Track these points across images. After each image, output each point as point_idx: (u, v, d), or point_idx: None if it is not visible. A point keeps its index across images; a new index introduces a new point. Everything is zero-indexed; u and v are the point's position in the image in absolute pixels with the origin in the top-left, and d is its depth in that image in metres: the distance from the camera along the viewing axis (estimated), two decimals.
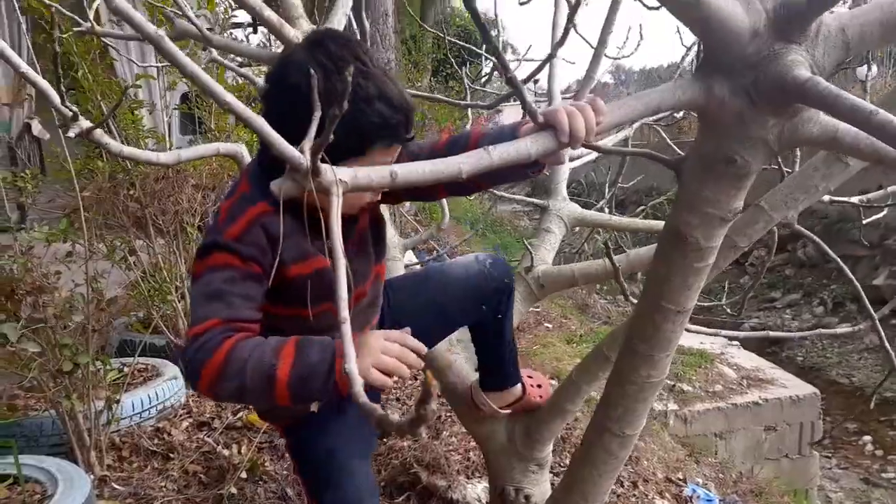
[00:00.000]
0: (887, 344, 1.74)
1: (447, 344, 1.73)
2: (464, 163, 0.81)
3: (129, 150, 1.34)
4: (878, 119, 0.76)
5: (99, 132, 1.26)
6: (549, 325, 5.40)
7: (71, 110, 1.19)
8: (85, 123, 1.22)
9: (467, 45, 2.95)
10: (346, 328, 0.63)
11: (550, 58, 1.69)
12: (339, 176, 0.75)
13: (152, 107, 3.71)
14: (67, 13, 1.86)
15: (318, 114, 0.71)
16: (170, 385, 2.63)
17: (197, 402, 2.73)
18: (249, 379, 0.99)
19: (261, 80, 2.16)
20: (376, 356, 0.97)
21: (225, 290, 1.05)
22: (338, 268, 0.68)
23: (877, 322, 1.71)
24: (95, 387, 2.12)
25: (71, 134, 1.22)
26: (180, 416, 2.60)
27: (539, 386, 1.73)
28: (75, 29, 1.96)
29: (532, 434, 1.66)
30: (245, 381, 0.99)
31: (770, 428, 4.67)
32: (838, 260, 1.81)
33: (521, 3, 1.96)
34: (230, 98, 0.67)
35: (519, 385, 1.67)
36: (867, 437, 6.81)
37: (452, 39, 2.80)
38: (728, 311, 2.61)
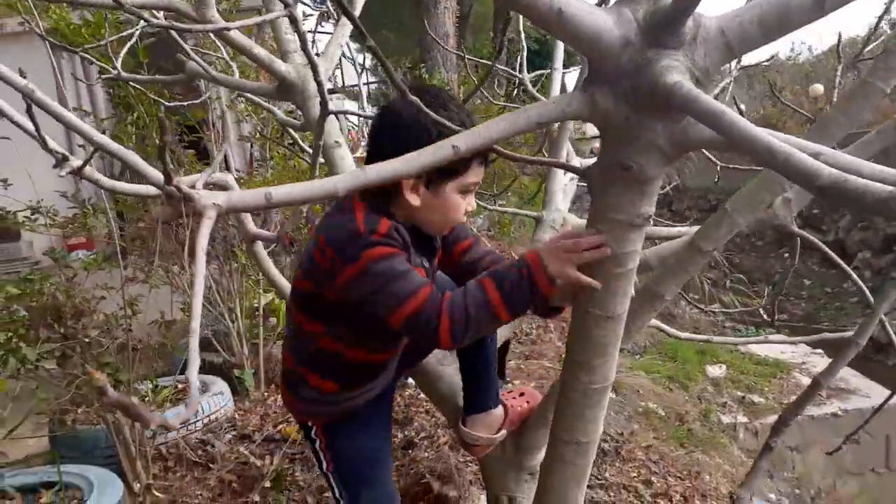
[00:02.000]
0: (894, 336, 1.64)
1: (439, 355, 1.77)
2: (340, 181, 0.87)
3: (120, 185, 1.46)
4: (727, 119, 0.76)
5: (89, 170, 1.40)
6: None
7: (59, 152, 1.34)
8: (76, 162, 1.36)
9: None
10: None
11: None
12: (213, 200, 0.82)
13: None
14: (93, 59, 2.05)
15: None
16: (216, 399, 2.81)
17: (242, 415, 2.89)
18: (475, 318, 1.19)
19: (279, 112, 2.30)
20: (564, 256, 1.10)
21: (403, 269, 1.25)
22: (196, 283, 0.75)
23: (884, 320, 1.62)
24: (141, 402, 2.29)
25: (62, 173, 1.36)
26: (225, 428, 2.76)
27: (522, 394, 1.74)
28: (104, 76, 2.16)
29: (521, 443, 1.68)
30: (472, 321, 1.19)
31: (852, 440, 4.38)
32: (843, 264, 1.73)
33: None
34: (98, 137, 0.76)
35: (500, 406, 1.68)
36: None
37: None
38: (764, 315, 2.50)
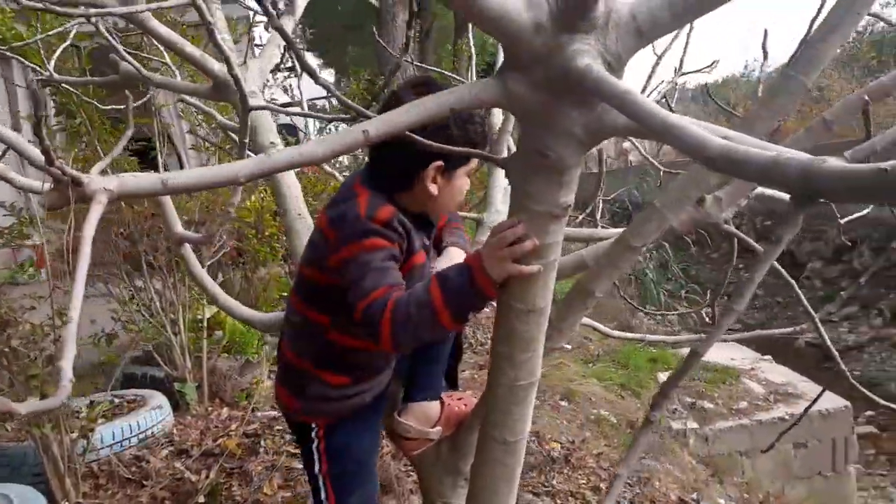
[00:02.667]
0: (829, 342, 1.67)
1: None
2: (241, 168, 0.83)
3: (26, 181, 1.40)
4: (629, 98, 0.75)
5: (2, 167, 1.33)
6: (569, 346, 5.32)
7: None
8: None
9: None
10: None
11: None
12: (103, 184, 0.78)
13: None
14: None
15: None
16: (152, 414, 2.71)
17: (182, 429, 2.80)
18: (417, 319, 1.16)
19: (219, 115, 2.24)
20: (499, 254, 1.07)
21: (382, 266, 1.26)
22: (78, 273, 0.71)
23: (817, 320, 1.64)
24: (69, 417, 2.20)
25: None
26: (162, 444, 2.67)
27: (461, 399, 1.72)
28: (36, 79, 2.08)
29: (457, 447, 1.64)
30: (412, 322, 1.17)
31: (800, 444, 4.46)
32: (778, 267, 1.74)
33: None
34: None
35: (438, 401, 1.66)
36: None
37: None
38: (706, 317, 2.53)
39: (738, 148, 0.56)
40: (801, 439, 4.43)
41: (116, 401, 2.83)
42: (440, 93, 0.92)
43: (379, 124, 0.87)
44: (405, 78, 1.51)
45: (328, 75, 22.00)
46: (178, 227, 1.66)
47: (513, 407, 1.20)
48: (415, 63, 3.53)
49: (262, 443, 2.62)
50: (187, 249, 1.68)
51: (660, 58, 2.76)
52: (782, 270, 1.76)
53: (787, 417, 4.41)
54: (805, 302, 1.67)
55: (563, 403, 4.20)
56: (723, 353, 5.73)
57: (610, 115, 0.91)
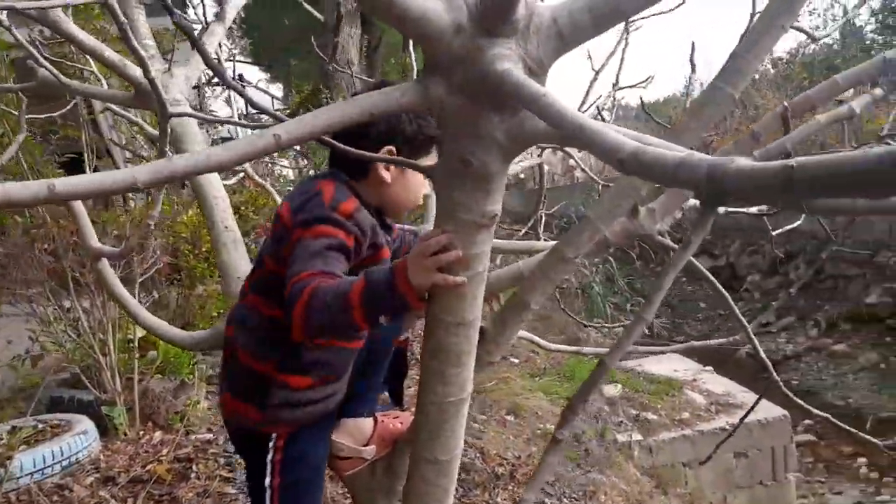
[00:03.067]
0: (762, 353, 1.68)
1: None
2: (140, 172, 0.78)
3: None
4: (544, 101, 0.73)
5: None
6: (516, 360, 5.31)
7: None
8: None
9: None
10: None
11: None
12: None
13: None
14: None
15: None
16: (77, 440, 2.57)
17: (109, 455, 2.66)
18: (332, 308, 1.12)
19: (147, 126, 2.15)
20: (423, 263, 1.03)
21: (324, 253, 1.23)
22: None
23: (749, 331, 1.65)
24: None
25: None
26: (87, 471, 2.52)
27: (397, 417, 1.67)
28: None
29: (393, 468, 1.59)
30: (326, 309, 1.12)
31: (740, 454, 4.53)
32: (711, 278, 1.76)
33: None
34: None
35: (371, 419, 1.61)
36: (862, 460, 6.60)
37: None
38: (647, 332, 2.54)
39: (647, 149, 0.54)
40: (741, 449, 4.51)
41: (40, 426, 2.67)
42: (359, 96, 0.88)
43: (291, 128, 0.83)
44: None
45: (276, 89, 21.78)
46: (94, 241, 1.57)
47: (443, 424, 1.16)
48: (362, 77, 3.50)
49: (195, 468, 2.51)
50: (105, 265, 1.59)
51: (597, 73, 2.80)
52: (715, 282, 1.77)
53: (727, 427, 4.48)
54: (738, 313, 1.68)
55: (509, 418, 4.17)
56: (666, 365, 5.81)
57: (532, 121, 0.89)
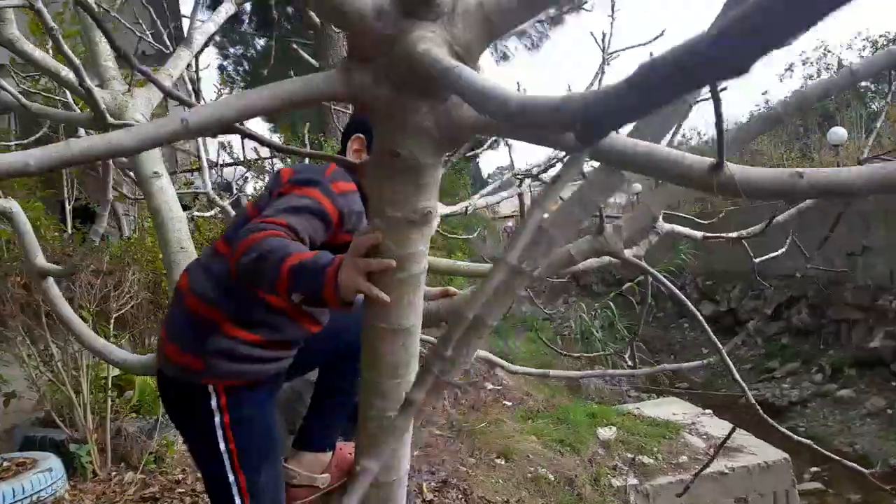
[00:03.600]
0: (737, 374, 1.61)
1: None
2: (32, 156, 0.73)
3: None
4: (455, 73, 0.69)
5: None
6: (509, 403, 5.19)
7: None
8: None
9: None
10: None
11: None
12: None
13: None
14: None
15: None
16: (40, 478, 2.48)
17: (75, 495, 2.56)
18: (269, 263, 1.11)
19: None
20: (355, 263, 1.00)
21: (302, 211, 1.24)
22: None
23: (724, 353, 1.58)
24: None
25: None
26: None
27: (351, 453, 1.60)
28: None
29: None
30: (261, 259, 1.12)
31: (740, 500, 4.37)
32: (684, 299, 1.70)
33: None
34: None
35: (331, 451, 1.54)
36: None
37: None
38: (628, 362, 2.46)
39: (534, 98, 0.49)
40: (741, 493, 4.34)
41: (5, 464, 2.59)
42: (276, 83, 0.85)
43: (203, 112, 0.79)
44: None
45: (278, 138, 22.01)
46: (40, 259, 1.52)
47: (385, 444, 1.08)
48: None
49: None
50: (50, 283, 1.54)
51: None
52: (690, 305, 1.71)
53: (726, 472, 4.34)
54: (712, 335, 1.62)
55: (499, 462, 4.04)
56: (665, 408, 5.68)
57: (461, 108, 0.85)
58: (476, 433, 4.24)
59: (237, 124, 0.84)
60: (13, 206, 1.39)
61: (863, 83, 18.01)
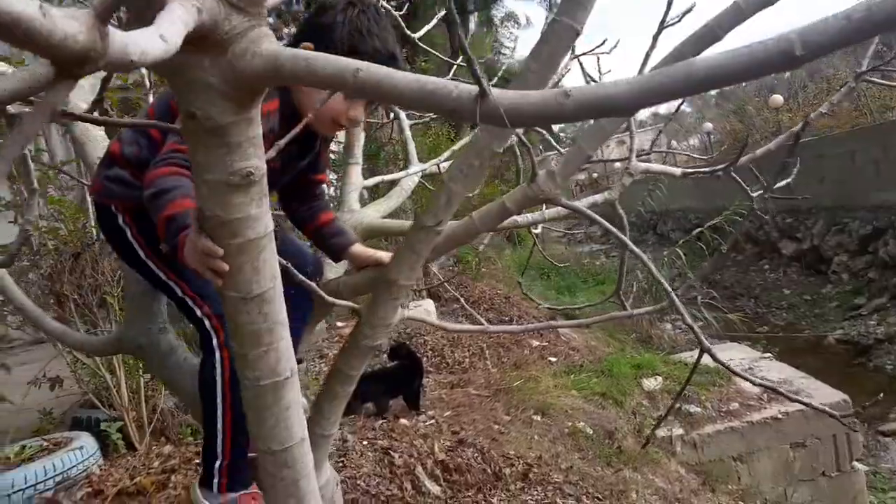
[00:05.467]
0: (689, 319, 1.50)
1: None
2: None
3: None
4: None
5: None
6: (553, 359, 5.12)
7: None
8: None
9: None
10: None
11: None
12: None
13: None
14: None
15: None
16: (71, 455, 2.63)
17: (106, 470, 2.70)
18: (159, 197, 1.18)
19: None
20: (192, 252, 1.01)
21: None
22: None
23: (674, 297, 1.48)
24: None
25: None
26: (80, 485, 2.57)
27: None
28: None
29: None
30: (157, 195, 1.19)
31: (798, 444, 4.18)
32: (622, 236, 1.60)
33: None
34: None
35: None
36: None
37: None
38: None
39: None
40: (798, 438, 4.15)
41: (44, 444, 2.76)
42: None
43: None
44: None
45: None
46: None
47: (265, 412, 1.07)
48: None
49: (173, 478, 2.51)
50: (2, 273, 1.59)
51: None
52: (608, 225, 1.60)
53: (780, 417, 4.15)
54: (658, 275, 1.51)
55: (536, 418, 4.00)
56: (723, 354, 5.45)
57: (245, 59, 0.79)
58: (514, 390, 4.21)
59: None
60: None
61: None
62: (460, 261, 9.28)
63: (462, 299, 4.04)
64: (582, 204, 1.88)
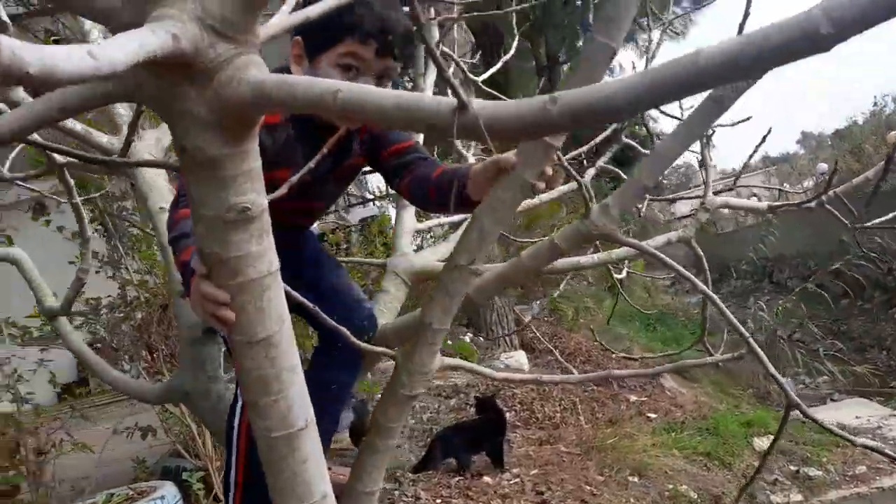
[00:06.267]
0: (772, 368, 1.31)
1: None
2: None
3: None
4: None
5: None
6: (652, 415, 4.80)
7: None
8: None
9: None
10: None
11: None
12: None
13: None
14: None
15: None
16: None
17: None
18: (178, 241, 1.17)
19: None
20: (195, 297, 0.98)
21: None
22: None
23: (752, 343, 1.30)
24: None
25: None
26: None
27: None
28: None
29: None
30: (177, 239, 1.18)
31: None
32: (689, 276, 1.44)
33: None
34: None
35: None
36: None
37: None
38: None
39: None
40: None
41: (130, 493, 2.82)
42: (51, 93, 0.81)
43: None
44: None
45: None
46: (49, 299, 1.62)
47: (279, 463, 1.00)
48: None
49: None
50: (62, 322, 1.64)
51: None
52: (712, 295, 1.44)
53: None
54: (733, 319, 1.34)
55: (632, 479, 3.72)
56: (846, 411, 4.96)
57: (231, 86, 0.76)
58: (608, 448, 3.94)
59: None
60: (17, 252, 1.50)
61: None
62: (555, 310, 9.04)
63: (556, 351, 3.86)
64: (654, 243, 1.74)
